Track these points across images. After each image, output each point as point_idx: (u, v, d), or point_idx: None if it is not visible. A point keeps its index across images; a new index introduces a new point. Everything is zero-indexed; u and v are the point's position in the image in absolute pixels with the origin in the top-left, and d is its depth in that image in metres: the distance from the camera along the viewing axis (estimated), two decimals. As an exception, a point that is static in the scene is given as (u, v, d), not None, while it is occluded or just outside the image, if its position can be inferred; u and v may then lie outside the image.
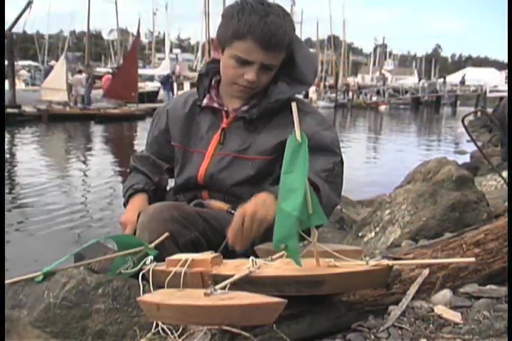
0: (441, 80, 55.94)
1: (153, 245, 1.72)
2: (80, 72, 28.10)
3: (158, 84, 32.77)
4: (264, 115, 2.02)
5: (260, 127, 2.04)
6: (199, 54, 53.94)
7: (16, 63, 26.38)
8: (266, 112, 2.02)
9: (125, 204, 2.21)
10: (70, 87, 24.57)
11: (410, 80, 68.83)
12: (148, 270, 1.60)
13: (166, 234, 1.77)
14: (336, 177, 1.95)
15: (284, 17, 1.90)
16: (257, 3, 1.90)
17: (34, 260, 5.44)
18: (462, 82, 53.41)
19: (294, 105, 1.45)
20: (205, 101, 2.09)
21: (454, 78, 62.29)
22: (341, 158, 2.02)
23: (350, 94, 48.71)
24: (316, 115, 2.07)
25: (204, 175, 2.07)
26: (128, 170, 2.35)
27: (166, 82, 30.86)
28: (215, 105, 2.08)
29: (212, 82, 2.10)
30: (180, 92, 27.28)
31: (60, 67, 24.47)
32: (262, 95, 2.03)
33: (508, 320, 1.39)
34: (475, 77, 55.19)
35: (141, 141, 20.06)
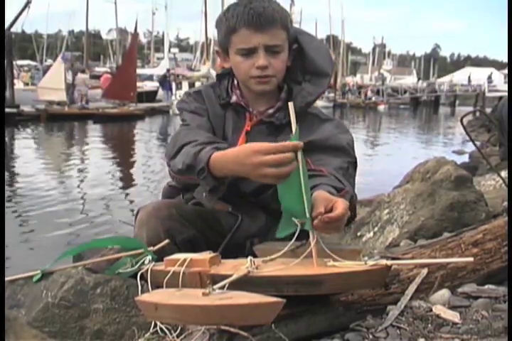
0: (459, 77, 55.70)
1: (153, 249, 1.72)
2: (84, 71, 28.18)
3: (157, 84, 32.73)
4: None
5: (283, 131, 1.95)
6: (198, 53, 53.90)
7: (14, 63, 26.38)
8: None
9: (191, 168, 1.71)
10: (68, 87, 24.55)
11: (409, 80, 68.97)
12: (147, 270, 1.60)
13: (167, 241, 1.76)
14: (350, 177, 1.93)
15: (269, 1, 1.88)
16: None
17: (32, 260, 5.43)
18: (489, 81, 52.98)
19: (291, 105, 1.46)
20: (234, 98, 2.02)
21: (453, 78, 62.34)
22: (355, 160, 2.00)
23: (369, 93, 49.06)
24: (333, 121, 2.05)
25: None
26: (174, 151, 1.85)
27: (164, 81, 30.81)
28: (242, 104, 2.01)
29: (235, 82, 2.03)
30: (179, 92, 27.29)
31: (57, 66, 24.46)
32: (286, 97, 1.98)
33: (508, 320, 1.38)
34: (474, 76, 55.21)
35: (140, 138, 20.11)
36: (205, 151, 1.70)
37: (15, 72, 23.59)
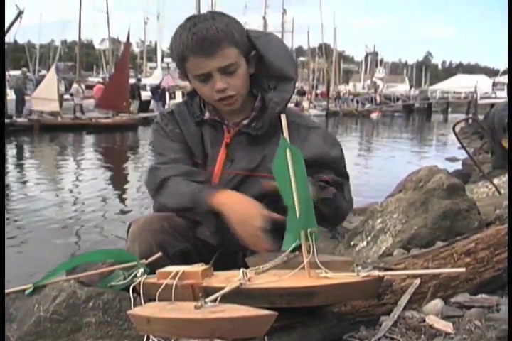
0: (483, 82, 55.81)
1: (146, 262, 1.71)
2: (79, 81, 28.37)
3: (150, 94, 32.64)
4: (271, 130, 1.96)
5: (266, 142, 1.97)
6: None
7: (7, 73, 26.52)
8: (271, 127, 1.96)
9: (185, 210, 1.88)
10: (61, 97, 24.57)
11: (401, 88, 69.33)
12: (139, 282, 1.59)
13: (159, 254, 1.76)
14: (344, 186, 1.98)
15: (212, 19, 1.85)
16: (185, 22, 1.89)
17: (26, 272, 5.39)
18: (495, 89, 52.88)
19: (283, 117, 1.46)
20: (207, 115, 2.02)
21: (445, 85, 62.67)
22: (346, 174, 2.05)
23: (378, 98, 49.65)
24: (319, 129, 2.05)
25: None
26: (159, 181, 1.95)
27: (155, 92, 30.73)
28: (216, 118, 2.02)
29: None
30: (172, 102, 27.26)
31: (50, 77, 24.42)
32: (261, 106, 1.98)
33: (509, 326, 1.38)
34: (466, 84, 55.50)
35: (133, 148, 20.09)
36: (205, 194, 1.81)
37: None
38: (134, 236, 1.88)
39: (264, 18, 56.88)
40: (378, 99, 50.72)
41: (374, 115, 45.98)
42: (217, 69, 1.85)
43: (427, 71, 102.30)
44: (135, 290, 1.58)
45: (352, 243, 3.00)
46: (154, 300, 1.49)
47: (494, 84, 55.55)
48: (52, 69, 25.89)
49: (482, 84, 55.11)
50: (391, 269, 1.74)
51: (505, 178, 4.14)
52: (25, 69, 26.53)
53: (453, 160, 15.28)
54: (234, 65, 1.88)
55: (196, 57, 1.84)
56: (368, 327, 1.50)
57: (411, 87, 69.43)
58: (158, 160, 2.03)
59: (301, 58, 67.03)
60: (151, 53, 69.44)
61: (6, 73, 25.34)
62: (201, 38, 1.81)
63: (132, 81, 31.90)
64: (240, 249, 1.94)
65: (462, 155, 14.67)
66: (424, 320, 1.51)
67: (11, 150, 17.38)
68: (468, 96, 51.48)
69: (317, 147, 1.93)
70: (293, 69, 2.01)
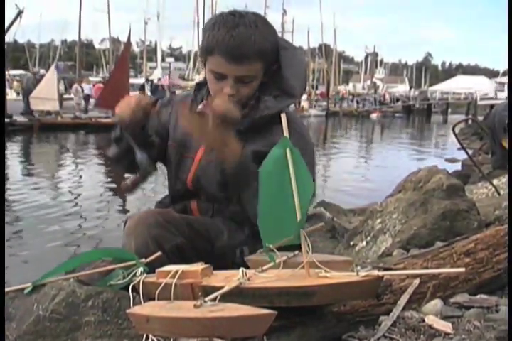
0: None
1: (145, 261, 1.71)
2: (81, 81, 28.50)
3: (149, 94, 32.61)
4: (254, 127, 2.01)
5: (249, 138, 2.00)
6: (191, 63, 53.94)
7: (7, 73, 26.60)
8: (255, 125, 2.01)
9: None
10: (61, 97, 24.60)
11: (401, 88, 69.39)
12: (139, 282, 1.59)
13: (159, 253, 1.76)
14: None
15: (255, 26, 1.88)
16: (228, 15, 1.91)
17: (24, 273, 5.39)
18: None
19: (283, 117, 1.46)
20: (199, 107, 2.09)
21: (445, 86, 62.69)
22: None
23: (388, 98, 49.81)
24: (300, 135, 2.03)
25: (192, 180, 2.08)
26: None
27: (155, 91, 30.70)
28: (208, 112, 2.08)
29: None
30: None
31: (50, 76, 24.38)
32: (254, 105, 2.03)
33: (508, 326, 1.38)
34: (466, 85, 55.53)
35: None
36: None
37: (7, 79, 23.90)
38: (129, 231, 1.89)
39: (264, 18, 56.77)
40: (388, 98, 50.88)
41: (374, 115, 46.01)
42: (234, 76, 1.90)
43: (426, 72, 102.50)
44: (134, 289, 1.58)
45: (351, 243, 2.99)
46: (154, 299, 1.49)
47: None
48: (52, 68, 25.83)
49: (482, 85, 55.17)
50: (390, 269, 1.74)
51: (504, 179, 4.14)
52: (35, 69, 26.76)
53: (452, 160, 15.26)
54: (251, 77, 1.94)
55: (221, 58, 1.87)
56: (367, 327, 1.50)
57: (411, 88, 69.59)
58: None
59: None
60: (151, 53, 69.44)
61: (6, 73, 25.37)
62: (236, 45, 1.84)
63: (141, 81, 32.00)
64: (236, 247, 1.97)
65: (462, 155, 14.66)
66: (423, 320, 1.51)
67: (10, 150, 17.34)
68: (468, 97, 51.55)
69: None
70: (301, 89, 2.07)
